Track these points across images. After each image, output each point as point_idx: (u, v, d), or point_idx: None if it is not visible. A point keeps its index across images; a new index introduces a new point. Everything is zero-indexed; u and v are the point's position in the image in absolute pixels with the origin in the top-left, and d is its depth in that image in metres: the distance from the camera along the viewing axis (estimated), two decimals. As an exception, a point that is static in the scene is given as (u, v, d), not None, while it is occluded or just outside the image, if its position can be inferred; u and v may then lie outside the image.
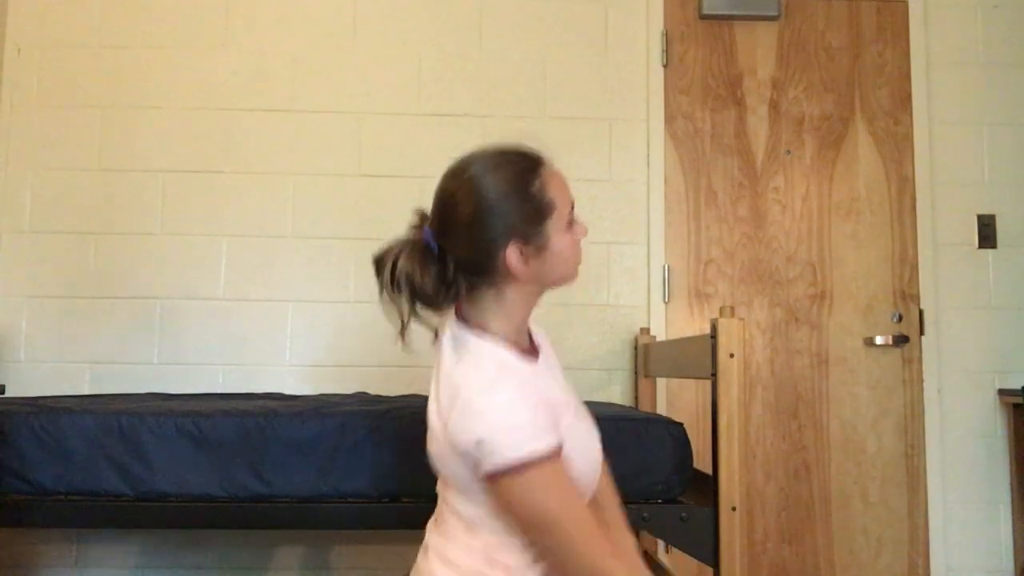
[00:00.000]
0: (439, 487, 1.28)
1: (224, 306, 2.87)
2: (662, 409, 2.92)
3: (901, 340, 2.97)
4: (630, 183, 2.99)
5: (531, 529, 1.14)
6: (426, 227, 1.24)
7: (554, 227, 1.22)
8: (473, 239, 1.20)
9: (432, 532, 1.27)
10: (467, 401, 1.13)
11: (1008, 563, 2.88)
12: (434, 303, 1.23)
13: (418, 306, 1.22)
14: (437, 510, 1.29)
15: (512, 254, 1.19)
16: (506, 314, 1.24)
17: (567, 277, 1.26)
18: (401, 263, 1.21)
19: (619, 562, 1.15)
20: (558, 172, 1.26)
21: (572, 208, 1.25)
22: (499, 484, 1.11)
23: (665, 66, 3.06)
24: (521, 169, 1.22)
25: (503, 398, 1.13)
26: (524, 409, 1.12)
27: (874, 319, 2.99)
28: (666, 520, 1.82)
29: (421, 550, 1.29)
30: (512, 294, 1.24)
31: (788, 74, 3.08)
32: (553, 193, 1.22)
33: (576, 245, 1.26)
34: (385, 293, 1.22)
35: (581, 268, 2.92)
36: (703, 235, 3.02)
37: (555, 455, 1.13)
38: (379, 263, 1.23)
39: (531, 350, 1.30)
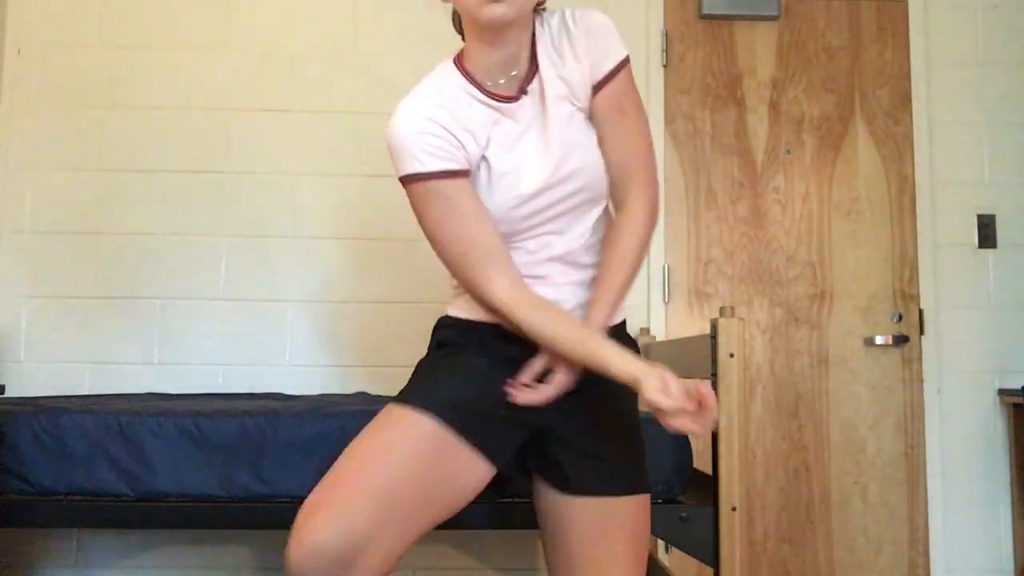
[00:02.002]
0: None
1: (224, 306, 2.87)
2: (662, 409, 2.91)
3: (901, 340, 2.97)
4: (630, 183, 2.99)
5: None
6: None
7: None
8: None
9: None
10: None
11: (1008, 563, 2.88)
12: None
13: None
14: None
15: None
16: (467, 49, 1.36)
17: (469, 10, 1.27)
18: None
19: (504, 278, 1.29)
20: None
21: None
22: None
23: (665, 66, 3.06)
24: None
25: (400, 111, 1.33)
26: (410, 127, 1.30)
27: (874, 319, 2.99)
28: (666, 520, 1.82)
29: None
30: (465, 29, 1.36)
31: (788, 74, 3.08)
32: None
33: None
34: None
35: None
36: (703, 235, 3.02)
37: (433, 177, 1.28)
38: None
39: (507, 96, 1.34)
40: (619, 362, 1.21)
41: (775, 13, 3.07)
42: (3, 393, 2.67)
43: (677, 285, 2.99)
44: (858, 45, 3.11)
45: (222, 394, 2.67)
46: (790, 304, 2.99)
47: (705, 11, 3.05)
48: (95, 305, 2.84)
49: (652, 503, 1.85)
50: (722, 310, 1.79)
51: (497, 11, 1.24)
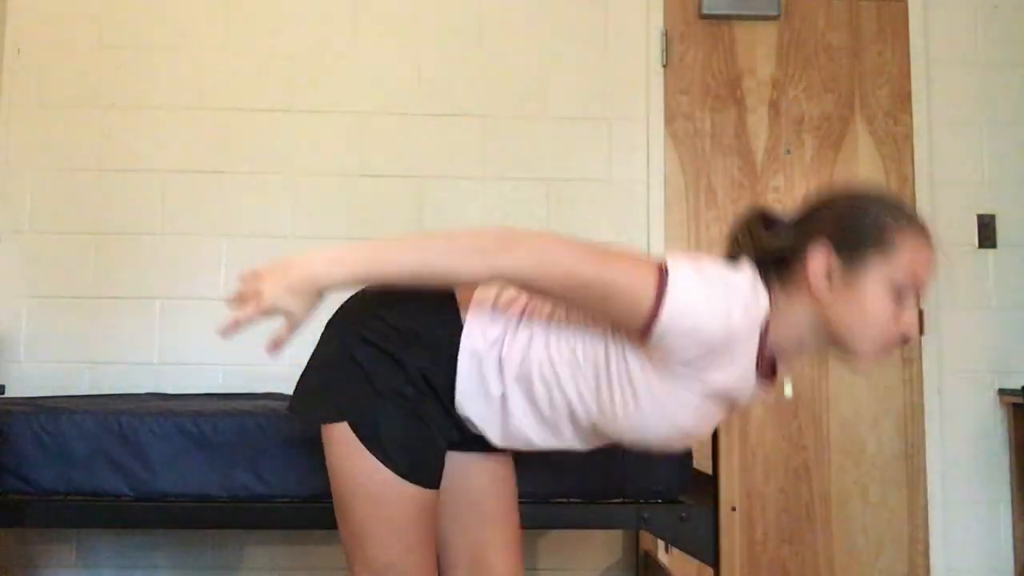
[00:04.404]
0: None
1: (224, 306, 2.86)
2: (662, 409, 2.91)
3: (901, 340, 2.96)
4: (630, 183, 2.99)
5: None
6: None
7: (877, 269, 1.10)
8: (801, 222, 1.15)
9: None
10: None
11: (1008, 563, 2.88)
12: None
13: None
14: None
15: (817, 255, 1.10)
16: (784, 320, 1.15)
17: (858, 339, 1.13)
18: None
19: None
20: (931, 251, 1.14)
21: (914, 288, 1.13)
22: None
23: (665, 66, 3.05)
24: (901, 214, 1.13)
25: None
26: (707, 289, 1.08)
27: (874, 319, 2.98)
28: (666, 520, 1.82)
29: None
30: (798, 306, 1.14)
31: (788, 74, 3.08)
32: (904, 252, 1.11)
33: (889, 317, 1.13)
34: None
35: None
36: (703, 235, 3.02)
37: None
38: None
39: (767, 372, 1.20)
40: None
41: (775, 13, 3.07)
42: (3, 393, 2.67)
43: (677, 285, 2.98)
44: (858, 45, 3.11)
45: (222, 394, 2.67)
46: (790, 304, 2.99)
47: (705, 11, 3.05)
48: (95, 305, 2.84)
49: (652, 503, 1.85)
50: (722, 310, 1.78)
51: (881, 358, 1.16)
